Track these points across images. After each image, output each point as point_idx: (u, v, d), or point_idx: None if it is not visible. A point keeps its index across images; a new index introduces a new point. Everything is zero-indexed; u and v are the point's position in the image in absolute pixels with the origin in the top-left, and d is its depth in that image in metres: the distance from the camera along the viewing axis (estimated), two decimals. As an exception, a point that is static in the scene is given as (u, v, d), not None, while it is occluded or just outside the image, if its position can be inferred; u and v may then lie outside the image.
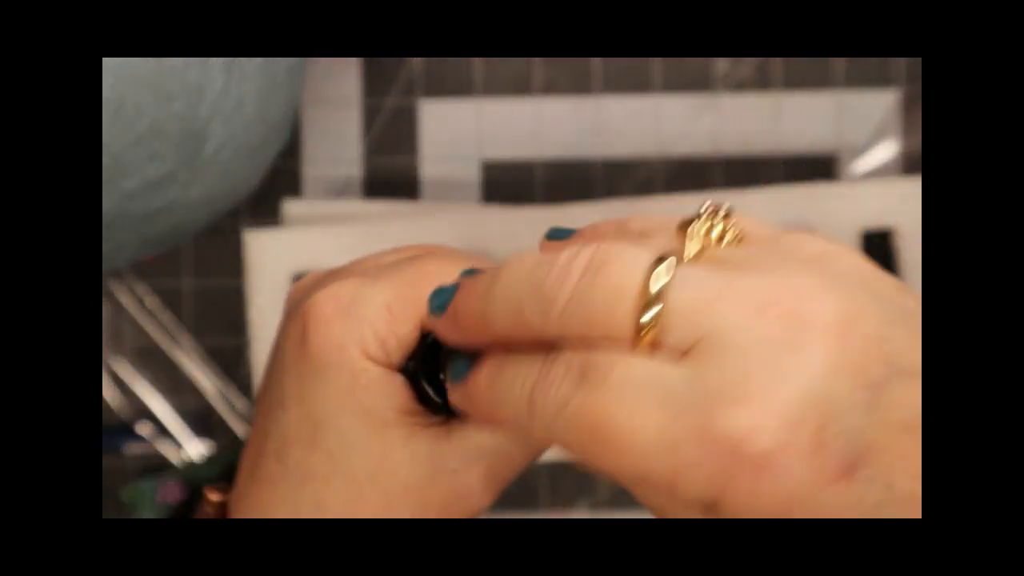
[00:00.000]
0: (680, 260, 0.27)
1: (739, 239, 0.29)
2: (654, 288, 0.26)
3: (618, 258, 0.27)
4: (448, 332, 0.31)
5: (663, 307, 0.26)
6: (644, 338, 0.26)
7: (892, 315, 0.27)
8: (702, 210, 0.29)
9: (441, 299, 0.31)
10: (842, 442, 0.25)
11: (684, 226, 0.29)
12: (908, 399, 0.27)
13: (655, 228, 0.30)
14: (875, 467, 0.26)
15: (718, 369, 0.25)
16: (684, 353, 0.26)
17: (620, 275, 0.26)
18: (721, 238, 0.28)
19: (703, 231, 0.28)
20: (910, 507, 0.26)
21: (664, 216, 0.30)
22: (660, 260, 0.26)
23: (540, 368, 0.27)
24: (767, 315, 0.25)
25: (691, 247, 0.28)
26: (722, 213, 0.29)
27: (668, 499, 0.28)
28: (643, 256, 0.26)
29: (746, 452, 0.24)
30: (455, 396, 0.32)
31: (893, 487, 0.26)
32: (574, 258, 0.27)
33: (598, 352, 0.26)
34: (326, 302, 0.33)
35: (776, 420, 0.24)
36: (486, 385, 0.30)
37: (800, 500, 0.26)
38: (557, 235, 0.34)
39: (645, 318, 0.26)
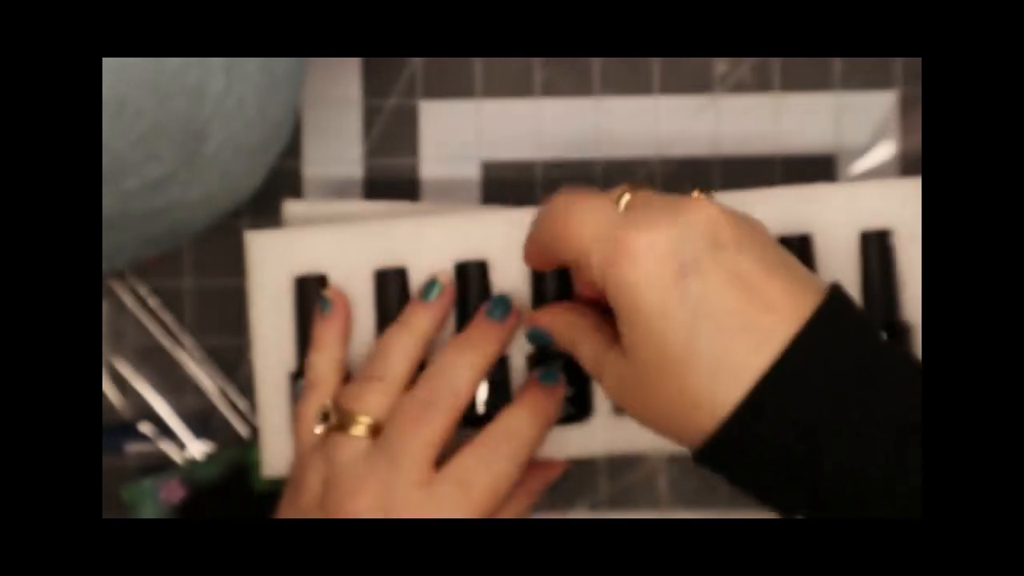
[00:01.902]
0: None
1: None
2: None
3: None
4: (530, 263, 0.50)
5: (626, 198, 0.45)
6: (618, 201, 0.45)
7: (754, 239, 0.43)
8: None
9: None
10: (681, 262, 0.41)
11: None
12: (740, 260, 0.42)
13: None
14: (693, 276, 0.41)
15: (639, 211, 0.43)
16: (627, 207, 0.45)
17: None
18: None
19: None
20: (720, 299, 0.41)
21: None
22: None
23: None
24: (677, 202, 0.43)
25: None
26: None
27: (585, 269, 0.44)
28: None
29: (628, 247, 0.42)
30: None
31: (705, 298, 0.41)
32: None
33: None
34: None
35: (652, 239, 0.42)
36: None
37: (647, 285, 0.42)
38: None
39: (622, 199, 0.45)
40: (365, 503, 0.47)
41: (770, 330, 0.41)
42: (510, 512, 0.52)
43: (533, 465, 0.53)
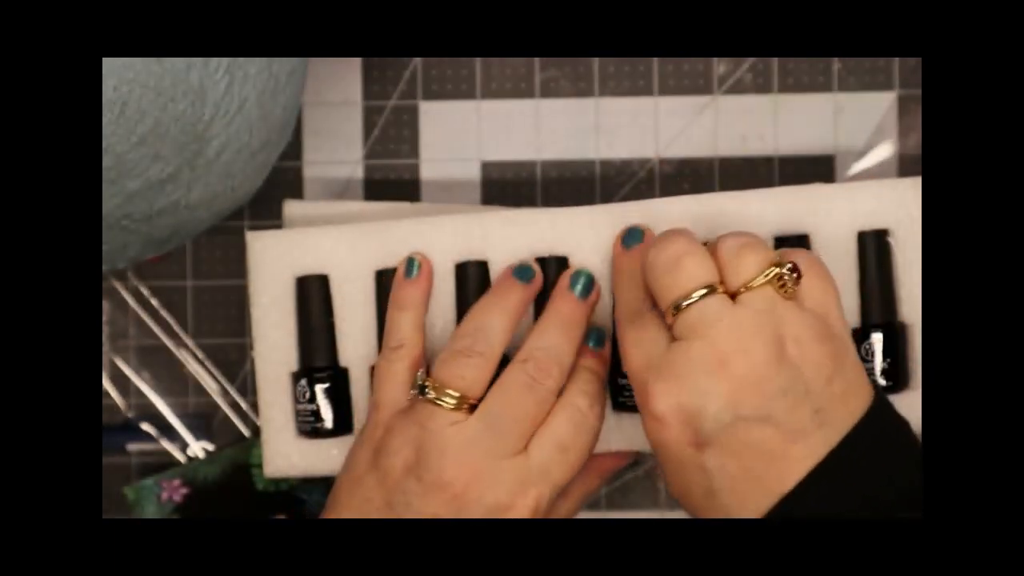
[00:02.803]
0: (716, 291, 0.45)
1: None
2: (694, 296, 0.45)
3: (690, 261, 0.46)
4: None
5: (687, 309, 0.45)
6: (671, 316, 0.46)
7: (780, 390, 0.44)
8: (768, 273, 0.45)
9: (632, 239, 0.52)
10: (698, 434, 0.44)
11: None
12: (749, 432, 0.43)
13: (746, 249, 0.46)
14: (709, 450, 0.44)
15: (673, 361, 0.45)
16: (675, 334, 0.46)
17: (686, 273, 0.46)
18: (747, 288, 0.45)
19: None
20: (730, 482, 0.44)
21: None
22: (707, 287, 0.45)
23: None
24: (717, 356, 0.44)
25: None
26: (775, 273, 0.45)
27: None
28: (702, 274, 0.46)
29: (654, 408, 0.45)
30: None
31: (723, 466, 0.44)
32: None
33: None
34: (523, 514, 0.48)
35: (675, 405, 0.44)
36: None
37: (669, 447, 0.45)
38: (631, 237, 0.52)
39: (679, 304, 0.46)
40: (468, 471, 0.48)
41: (761, 501, 0.43)
42: (580, 493, 0.54)
43: (607, 454, 0.54)
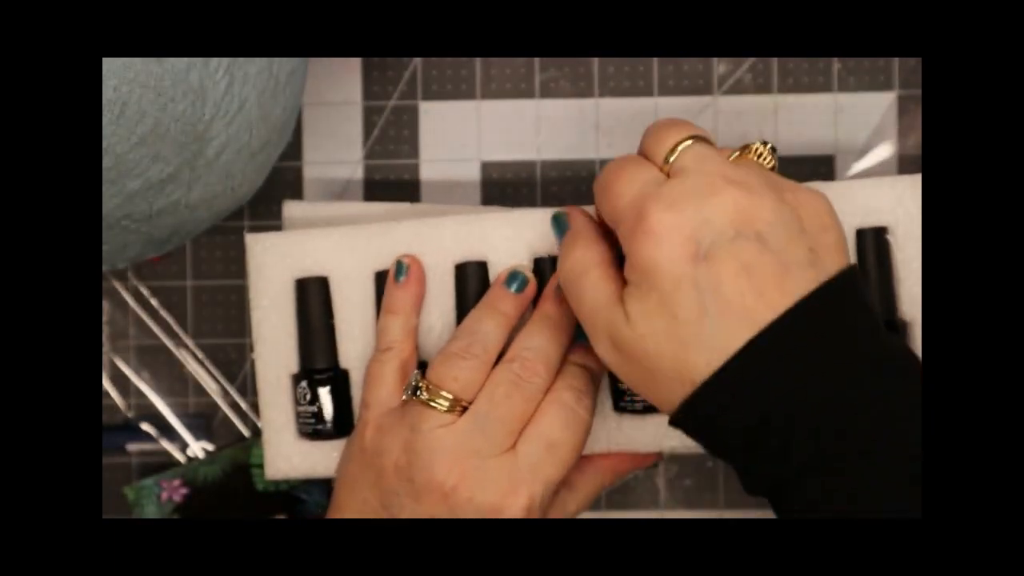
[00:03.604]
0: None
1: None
2: (688, 141, 0.46)
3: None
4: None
5: (682, 151, 0.46)
6: (667, 158, 0.46)
7: (781, 226, 0.44)
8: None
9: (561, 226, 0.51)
10: (698, 247, 0.43)
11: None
12: (750, 250, 0.43)
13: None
14: (706, 263, 0.42)
15: (672, 187, 0.44)
16: (671, 174, 0.45)
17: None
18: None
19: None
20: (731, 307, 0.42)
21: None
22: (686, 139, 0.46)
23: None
24: (717, 182, 0.44)
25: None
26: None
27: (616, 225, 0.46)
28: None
29: (652, 226, 0.43)
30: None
31: (719, 285, 0.42)
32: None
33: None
34: (518, 514, 0.48)
35: (676, 222, 0.43)
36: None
37: (665, 265, 0.43)
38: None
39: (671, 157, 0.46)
40: (458, 472, 0.48)
41: (758, 316, 0.42)
42: (591, 489, 0.53)
43: (625, 454, 0.54)
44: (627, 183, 0.45)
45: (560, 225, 0.50)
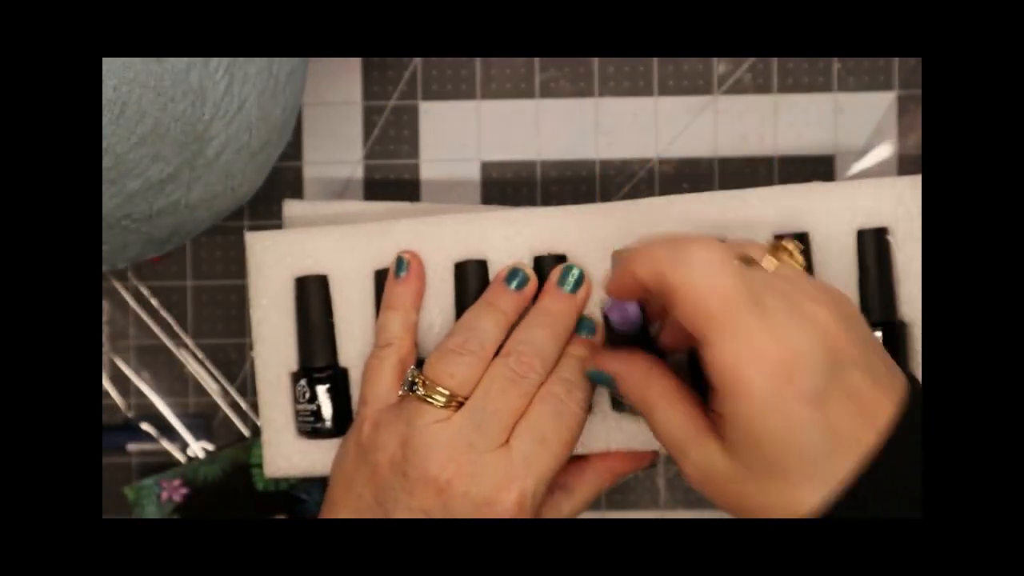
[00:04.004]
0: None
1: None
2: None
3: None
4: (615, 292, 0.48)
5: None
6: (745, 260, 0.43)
7: (861, 340, 0.43)
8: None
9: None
10: (805, 388, 0.41)
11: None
12: (855, 378, 0.42)
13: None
14: (817, 406, 0.41)
15: (765, 301, 0.42)
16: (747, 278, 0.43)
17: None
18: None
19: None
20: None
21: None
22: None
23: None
24: (797, 304, 0.42)
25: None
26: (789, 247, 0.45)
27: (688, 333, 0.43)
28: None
29: (760, 354, 0.41)
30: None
31: (829, 418, 0.41)
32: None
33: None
34: (512, 511, 0.48)
35: (783, 357, 0.41)
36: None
37: (771, 405, 0.41)
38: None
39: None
40: (453, 466, 0.47)
41: (864, 439, 0.41)
42: (588, 490, 0.53)
43: (624, 454, 0.54)
44: (709, 270, 0.42)
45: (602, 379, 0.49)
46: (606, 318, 0.51)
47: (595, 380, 0.50)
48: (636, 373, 0.47)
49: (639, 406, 0.47)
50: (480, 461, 0.48)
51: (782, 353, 0.41)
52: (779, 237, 0.49)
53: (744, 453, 0.42)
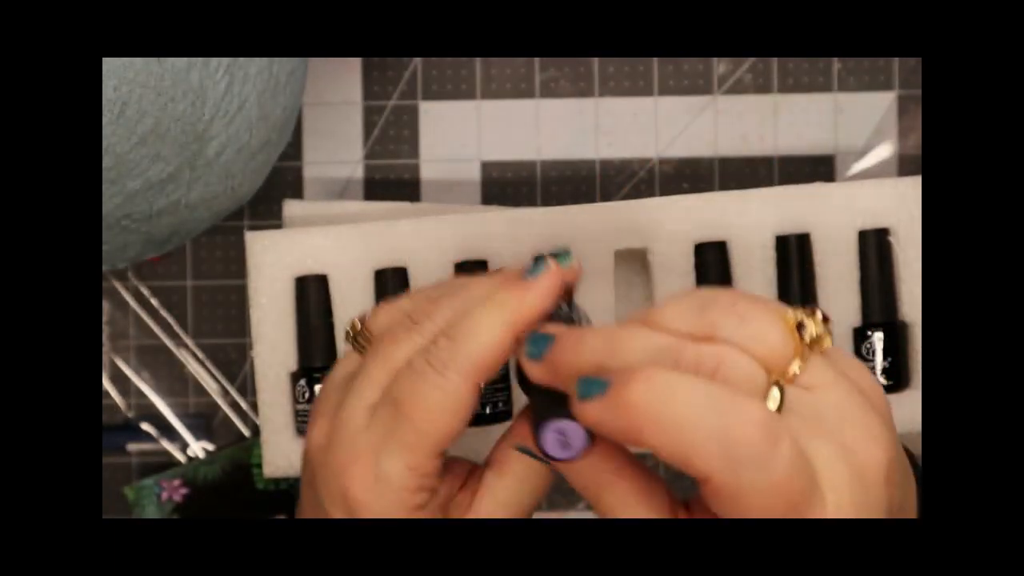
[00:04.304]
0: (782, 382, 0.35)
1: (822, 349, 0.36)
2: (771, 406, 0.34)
3: (735, 368, 0.34)
4: (542, 377, 0.37)
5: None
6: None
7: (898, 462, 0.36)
8: (802, 317, 0.35)
9: (537, 348, 0.37)
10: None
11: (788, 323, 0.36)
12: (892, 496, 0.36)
13: (752, 316, 0.35)
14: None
15: (805, 454, 0.34)
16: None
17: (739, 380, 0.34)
18: (811, 344, 0.35)
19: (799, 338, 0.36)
20: None
21: (755, 304, 0.36)
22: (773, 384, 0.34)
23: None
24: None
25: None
26: (818, 318, 0.36)
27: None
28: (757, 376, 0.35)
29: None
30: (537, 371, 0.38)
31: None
32: (699, 356, 0.34)
33: None
34: (359, 490, 0.39)
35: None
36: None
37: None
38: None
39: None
40: (322, 435, 0.40)
41: None
42: (524, 470, 0.42)
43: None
44: (713, 416, 0.32)
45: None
46: (531, 448, 0.39)
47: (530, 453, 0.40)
48: (586, 464, 0.37)
49: (590, 500, 0.38)
50: (344, 432, 0.39)
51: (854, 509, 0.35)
52: (782, 240, 0.40)
53: None
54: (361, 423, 0.39)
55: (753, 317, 0.35)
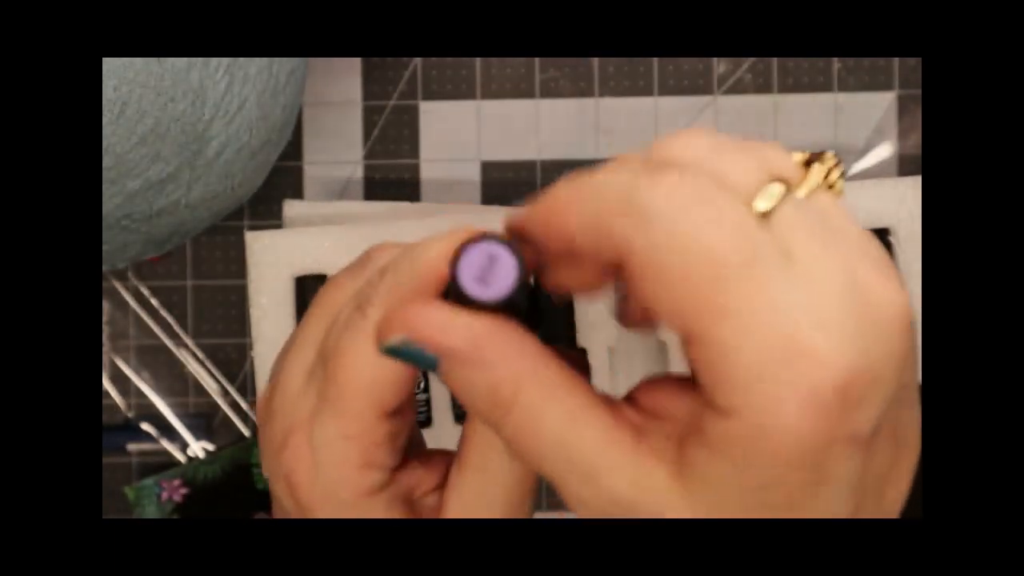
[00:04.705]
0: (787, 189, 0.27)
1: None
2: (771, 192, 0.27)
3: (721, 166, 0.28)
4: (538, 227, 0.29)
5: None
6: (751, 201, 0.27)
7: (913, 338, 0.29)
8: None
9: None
10: (866, 420, 0.27)
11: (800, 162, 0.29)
12: (910, 409, 0.30)
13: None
14: (874, 446, 0.28)
15: (806, 273, 0.27)
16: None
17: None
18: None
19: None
20: None
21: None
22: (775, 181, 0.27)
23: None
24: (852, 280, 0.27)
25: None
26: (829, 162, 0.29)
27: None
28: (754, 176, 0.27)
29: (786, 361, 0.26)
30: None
31: (872, 484, 0.29)
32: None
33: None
34: (298, 468, 0.32)
35: (838, 359, 0.26)
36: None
37: (805, 440, 0.27)
38: None
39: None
40: (296, 459, 0.32)
41: (893, 510, 0.32)
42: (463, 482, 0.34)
43: None
44: (686, 225, 0.25)
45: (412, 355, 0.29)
46: (454, 278, 0.28)
47: (401, 356, 0.29)
48: (499, 357, 0.27)
49: (498, 410, 0.28)
50: (275, 394, 0.33)
51: (843, 369, 0.25)
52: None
53: (722, 495, 0.28)
54: (297, 387, 0.33)
55: (759, 147, 0.28)
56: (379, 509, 0.33)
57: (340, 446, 0.31)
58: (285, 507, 0.34)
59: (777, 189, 0.27)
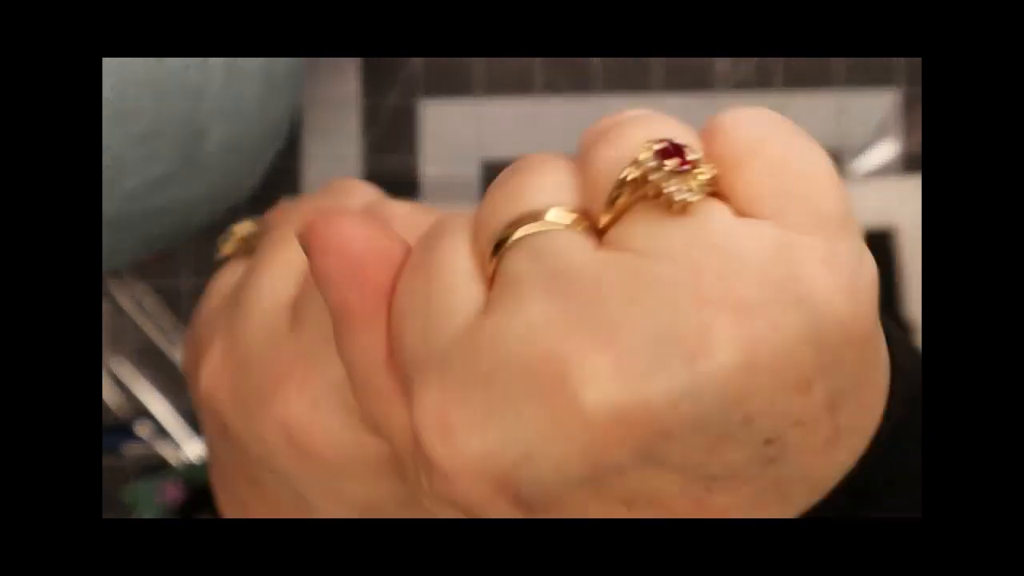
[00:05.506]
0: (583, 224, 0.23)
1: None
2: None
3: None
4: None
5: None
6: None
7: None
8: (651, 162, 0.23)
9: None
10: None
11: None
12: None
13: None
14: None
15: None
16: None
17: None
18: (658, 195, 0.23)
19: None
20: None
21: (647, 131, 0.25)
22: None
23: None
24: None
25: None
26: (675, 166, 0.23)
27: None
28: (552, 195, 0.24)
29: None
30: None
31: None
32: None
33: None
34: (303, 418, 0.28)
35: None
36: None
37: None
38: None
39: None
40: (299, 408, 0.28)
41: None
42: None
43: None
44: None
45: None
46: None
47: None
48: (344, 251, 0.25)
49: (334, 312, 0.25)
50: (243, 343, 0.29)
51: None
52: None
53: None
54: (281, 326, 0.28)
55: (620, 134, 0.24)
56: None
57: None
58: (278, 466, 0.29)
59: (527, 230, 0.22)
